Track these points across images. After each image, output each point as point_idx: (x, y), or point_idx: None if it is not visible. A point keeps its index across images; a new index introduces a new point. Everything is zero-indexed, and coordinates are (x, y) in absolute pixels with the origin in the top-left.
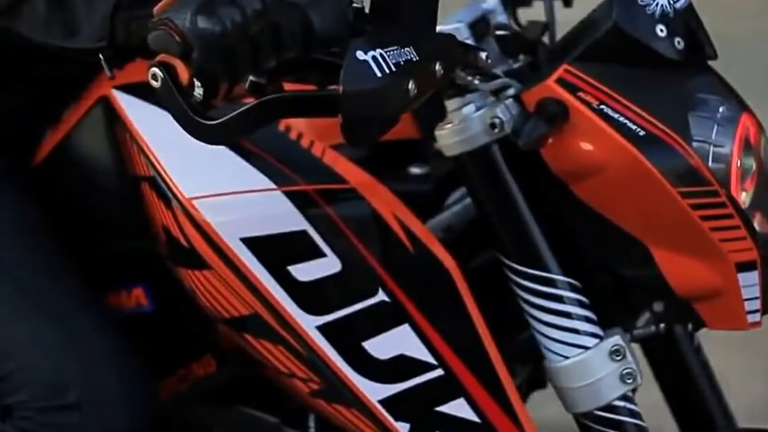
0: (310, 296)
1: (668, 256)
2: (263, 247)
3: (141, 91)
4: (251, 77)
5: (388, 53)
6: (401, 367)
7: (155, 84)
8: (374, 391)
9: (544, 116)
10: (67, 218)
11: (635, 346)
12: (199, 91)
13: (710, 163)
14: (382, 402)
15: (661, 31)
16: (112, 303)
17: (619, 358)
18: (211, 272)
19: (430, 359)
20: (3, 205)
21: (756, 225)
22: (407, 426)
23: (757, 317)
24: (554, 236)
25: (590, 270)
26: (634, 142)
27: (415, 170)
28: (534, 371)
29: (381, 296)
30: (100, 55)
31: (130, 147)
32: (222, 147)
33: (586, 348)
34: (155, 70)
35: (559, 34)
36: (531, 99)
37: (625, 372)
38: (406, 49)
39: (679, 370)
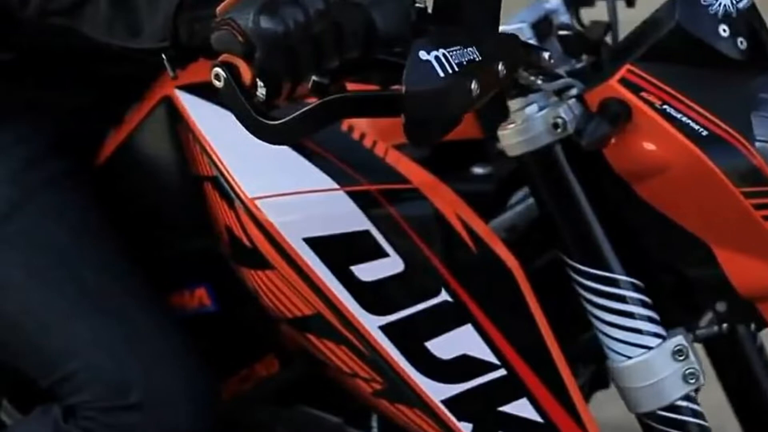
0: (373, 296)
1: (731, 256)
2: (326, 247)
3: (204, 91)
4: (314, 77)
5: (450, 53)
6: (464, 367)
7: (218, 84)
8: (437, 391)
9: (606, 116)
10: (129, 218)
11: (698, 346)
12: (261, 91)
13: None
14: (444, 402)
15: (724, 31)
16: (175, 303)
17: (681, 358)
18: (274, 272)
19: (493, 359)
20: (67, 205)
21: None
22: (470, 426)
23: None
24: (617, 236)
25: (653, 270)
26: (696, 142)
27: (477, 170)
28: (597, 371)
29: (444, 296)
30: (163, 55)
31: (193, 147)
32: (284, 147)
33: (649, 348)
34: (218, 70)
35: (622, 34)
36: (594, 99)
37: (687, 372)
38: (468, 49)
39: (741, 370)
